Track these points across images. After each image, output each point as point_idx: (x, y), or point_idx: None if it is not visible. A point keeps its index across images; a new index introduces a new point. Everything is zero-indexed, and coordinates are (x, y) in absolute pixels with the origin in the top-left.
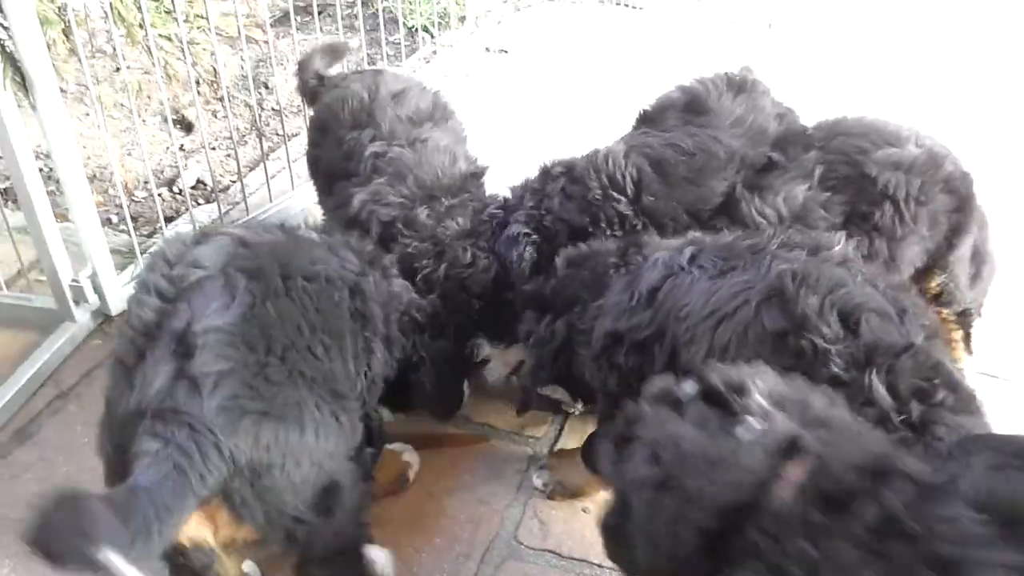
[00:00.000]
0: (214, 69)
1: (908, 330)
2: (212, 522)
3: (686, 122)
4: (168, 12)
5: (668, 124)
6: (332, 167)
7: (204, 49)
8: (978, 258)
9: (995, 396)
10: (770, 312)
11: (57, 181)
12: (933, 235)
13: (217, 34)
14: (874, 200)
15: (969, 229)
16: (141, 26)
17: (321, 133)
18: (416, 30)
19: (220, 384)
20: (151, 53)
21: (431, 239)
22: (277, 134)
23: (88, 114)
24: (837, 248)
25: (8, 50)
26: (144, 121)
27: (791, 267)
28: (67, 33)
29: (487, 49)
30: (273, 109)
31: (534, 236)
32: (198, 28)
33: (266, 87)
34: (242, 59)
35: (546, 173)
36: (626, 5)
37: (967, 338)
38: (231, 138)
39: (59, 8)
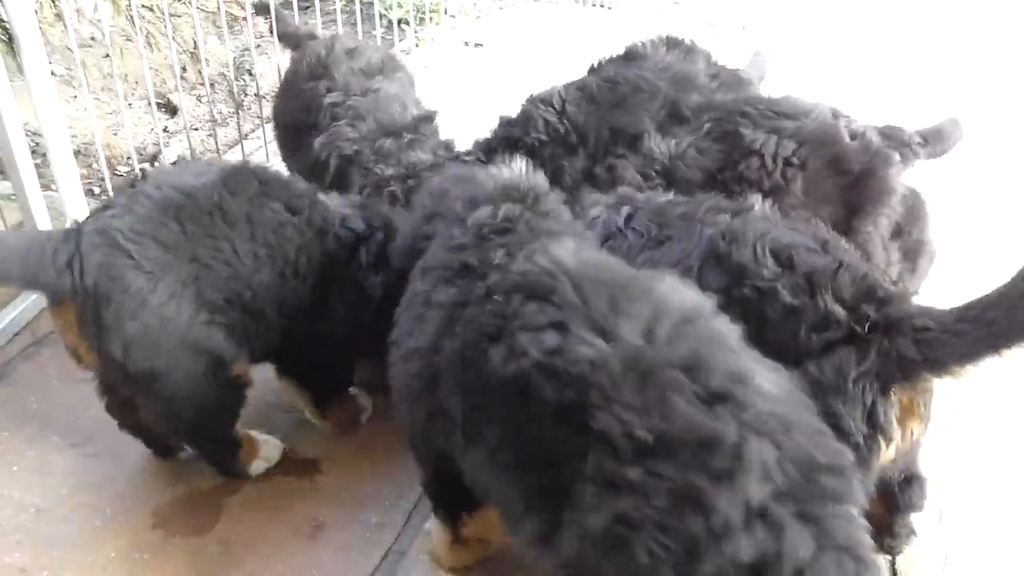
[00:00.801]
0: (192, 54)
1: (834, 255)
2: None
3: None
4: None
5: (606, 72)
6: (294, 120)
7: (186, 22)
8: (913, 250)
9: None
10: (711, 272)
11: (44, 155)
12: (821, 205)
13: (200, 9)
14: (743, 153)
15: (871, 211)
16: None
17: (284, 89)
18: (396, 23)
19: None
20: (134, 23)
21: (400, 165)
22: (257, 117)
23: (76, 96)
24: (757, 208)
25: None
26: (131, 105)
27: (719, 229)
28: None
29: (465, 43)
30: (255, 95)
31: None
32: (180, 2)
33: (249, 74)
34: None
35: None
36: (603, 6)
37: None
38: (213, 120)
39: None
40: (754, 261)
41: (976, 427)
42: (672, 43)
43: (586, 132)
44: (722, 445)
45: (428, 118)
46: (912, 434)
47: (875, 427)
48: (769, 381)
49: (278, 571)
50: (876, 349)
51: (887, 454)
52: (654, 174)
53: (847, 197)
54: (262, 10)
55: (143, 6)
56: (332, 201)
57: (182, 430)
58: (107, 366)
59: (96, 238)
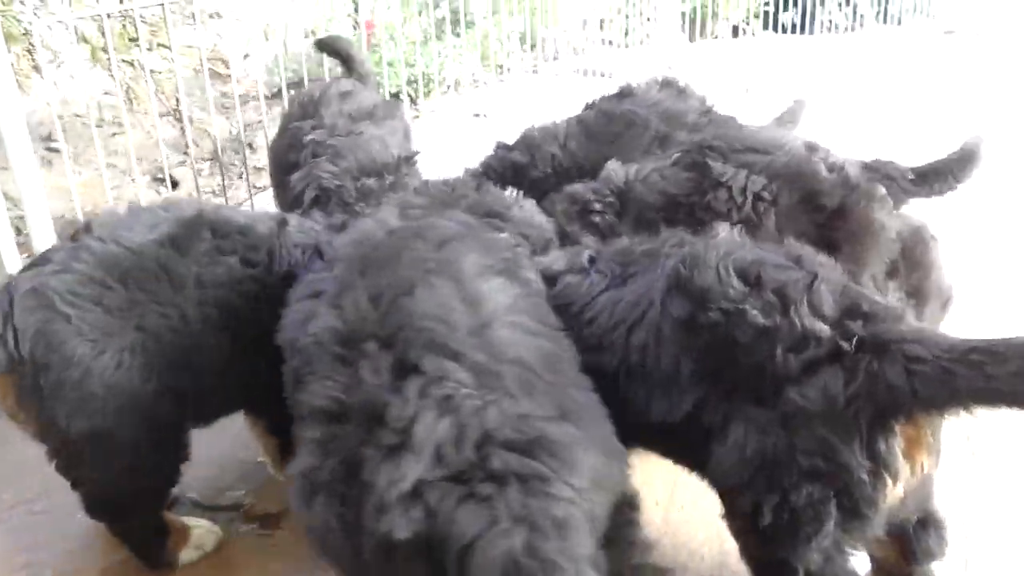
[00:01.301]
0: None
1: (809, 268)
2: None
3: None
4: (132, 40)
5: (599, 105)
6: (282, 158)
7: (168, 78)
8: (919, 293)
9: None
10: (674, 302)
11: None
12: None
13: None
14: (712, 184)
15: (853, 249)
16: (104, 50)
17: (279, 128)
18: (396, 95)
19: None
20: (114, 77)
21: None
22: (255, 186)
23: (80, 172)
24: (722, 233)
25: None
26: (133, 180)
27: (680, 256)
28: (31, 51)
29: (470, 114)
30: (255, 168)
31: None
32: (162, 57)
33: (250, 147)
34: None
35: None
36: (604, 75)
37: None
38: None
39: (25, 30)
40: (718, 282)
41: (1000, 468)
42: (665, 83)
43: (584, 166)
44: (391, 420)
45: (409, 159)
46: (922, 468)
47: (876, 460)
48: (520, 346)
49: None
50: (865, 371)
51: (895, 492)
52: (608, 192)
53: (825, 234)
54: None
55: (123, 60)
56: (307, 225)
57: (112, 506)
58: (48, 433)
59: (31, 300)
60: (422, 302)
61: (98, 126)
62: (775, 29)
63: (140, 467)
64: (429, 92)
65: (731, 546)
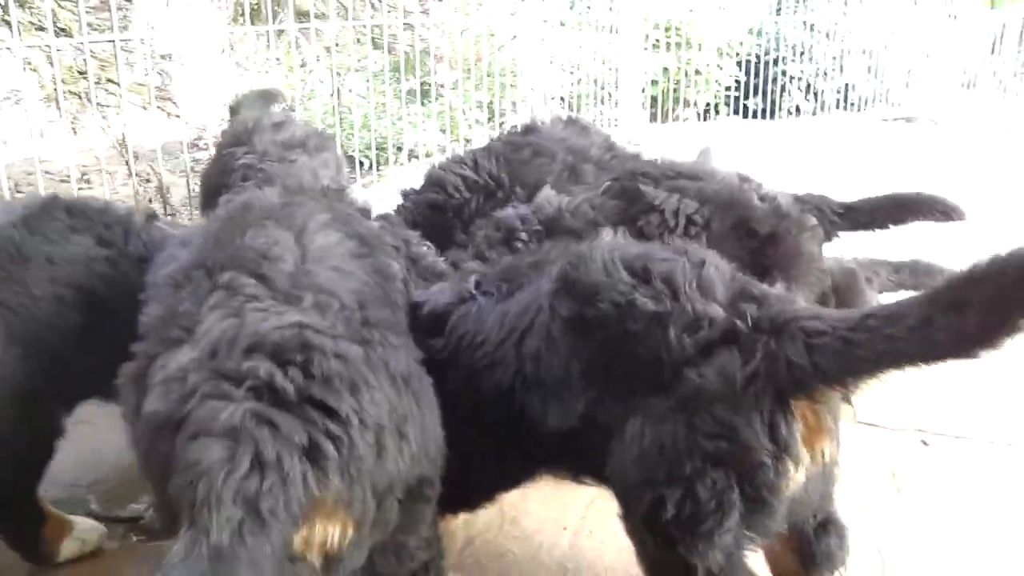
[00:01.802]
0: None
1: (696, 255)
2: None
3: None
4: (81, 72)
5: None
6: (212, 183)
7: (116, 112)
8: None
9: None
10: (562, 303)
11: None
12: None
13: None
14: (643, 209)
15: (783, 276)
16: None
17: (213, 156)
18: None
19: None
20: (59, 107)
21: None
22: None
23: None
24: (607, 237)
25: None
26: None
27: (567, 258)
28: None
29: None
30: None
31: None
32: (108, 92)
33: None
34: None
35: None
36: None
37: None
38: None
39: None
40: (606, 277)
41: (923, 505)
42: (569, 121)
43: (501, 179)
44: (183, 321)
45: (339, 190)
46: (823, 455)
47: (778, 442)
48: (337, 284)
49: None
50: (763, 350)
51: (797, 479)
52: (536, 221)
53: (757, 260)
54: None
55: (71, 92)
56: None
57: None
58: None
59: None
60: (252, 239)
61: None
62: (742, 115)
63: (1, 437)
64: (395, 159)
65: (637, 572)
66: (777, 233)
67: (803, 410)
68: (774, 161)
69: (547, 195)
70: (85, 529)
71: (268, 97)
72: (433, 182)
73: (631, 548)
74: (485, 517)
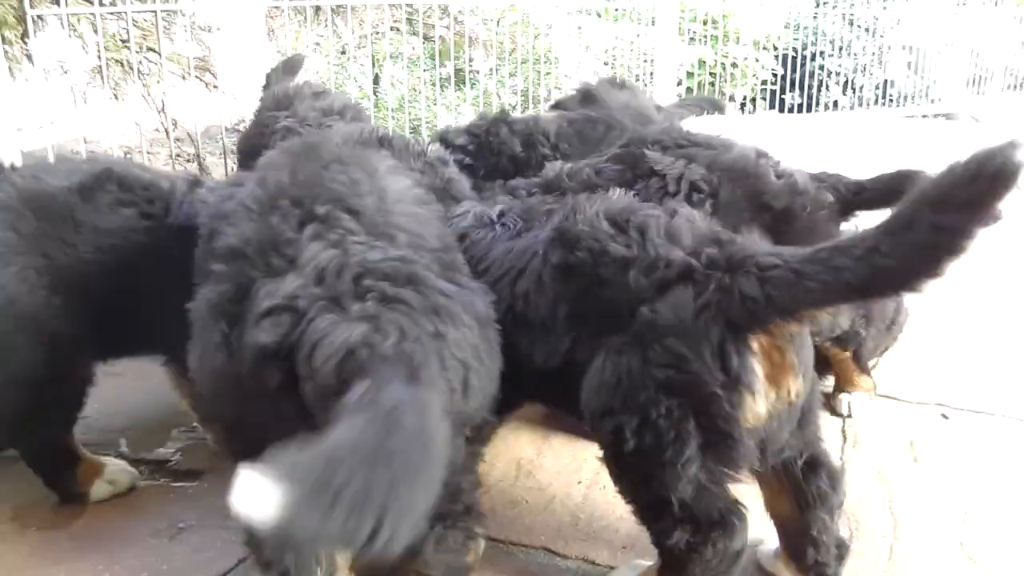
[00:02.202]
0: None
1: (671, 208)
2: None
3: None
4: (124, 41)
5: (570, 108)
6: (250, 145)
7: (156, 81)
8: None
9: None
10: (554, 250)
11: None
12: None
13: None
14: (643, 173)
15: None
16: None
17: (253, 120)
18: None
19: None
20: (103, 74)
21: None
22: None
23: None
24: (614, 195)
25: None
26: None
27: (566, 210)
28: (24, 38)
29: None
30: None
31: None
32: (150, 61)
33: None
34: None
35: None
36: None
37: (856, 360)
38: None
39: (17, 15)
40: (589, 226)
41: (939, 474)
42: (617, 83)
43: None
44: (283, 249)
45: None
46: (789, 393)
47: (730, 372)
48: (417, 225)
49: (129, 565)
50: (716, 284)
51: (756, 410)
52: (536, 188)
53: (770, 235)
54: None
55: (113, 60)
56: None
57: (18, 423)
58: None
59: None
60: (336, 174)
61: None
62: (779, 109)
63: (39, 381)
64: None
65: None
66: (792, 209)
67: (766, 347)
68: (810, 155)
69: (551, 165)
70: (116, 471)
71: (294, 65)
72: (524, 137)
73: None
74: (501, 469)
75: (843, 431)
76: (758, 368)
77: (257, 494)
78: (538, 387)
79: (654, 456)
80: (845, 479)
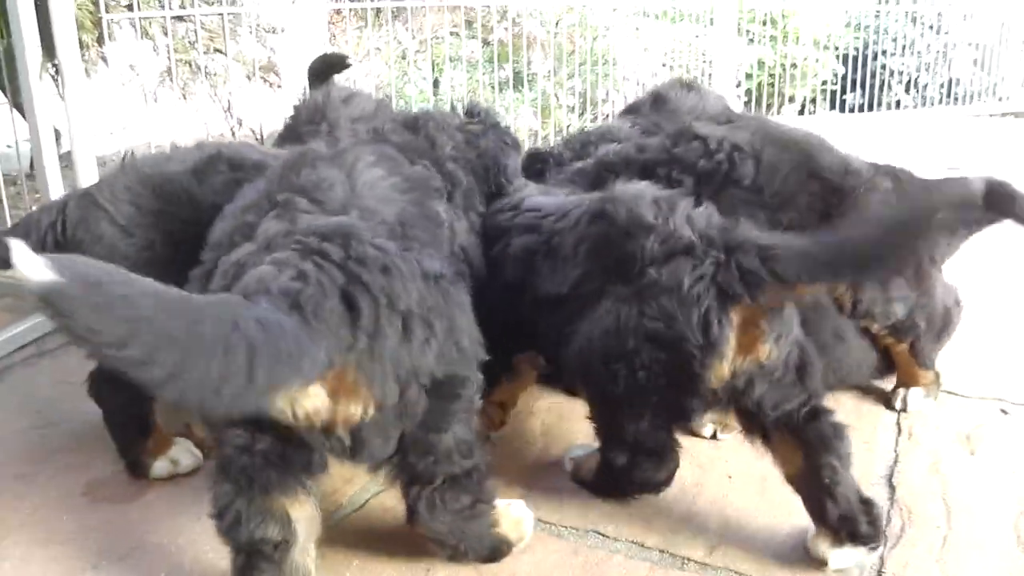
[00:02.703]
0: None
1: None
2: None
3: (655, 112)
4: (192, 43)
5: (641, 113)
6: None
7: (223, 81)
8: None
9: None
10: (596, 204)
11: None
12: (789, 209)
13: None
14: (685, 138)
15: None
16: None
17: (283, 135)
18: None
19: None
20: (172, 76)
21: None
22: None
23: None
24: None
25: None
26: None
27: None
28: (100, 42)
29: None
30: None
31: None
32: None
33: None
34: None
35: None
36: None
37: (914, 354)
38: None
39: (94, 19)
40: (633, 195)
41: (996, 467)
42: (686, 85)
43: None
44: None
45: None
46: (759, 356)
47: (709, 339)
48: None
49: None
50: (714, 260)
51: (721, 373)
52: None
53: (816, 205)
54: None
55: (182, 60)
56: None
57: (101, 384)
58: None
59: (81, 199)
60: (306, 176)
61: None
62: (840, 109)
63: None
64: None
65: None
66: (846, 185)
67: (746, 319)
68: (873, 155)
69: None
70: (180, 452)
71: (325, 68)
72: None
73: None
74: (555, 453)
75: (898, 424)
76: (732, 338)
77: (33, 265)
78: (540, 312)
79: (628, 396)
80: (848, 434)
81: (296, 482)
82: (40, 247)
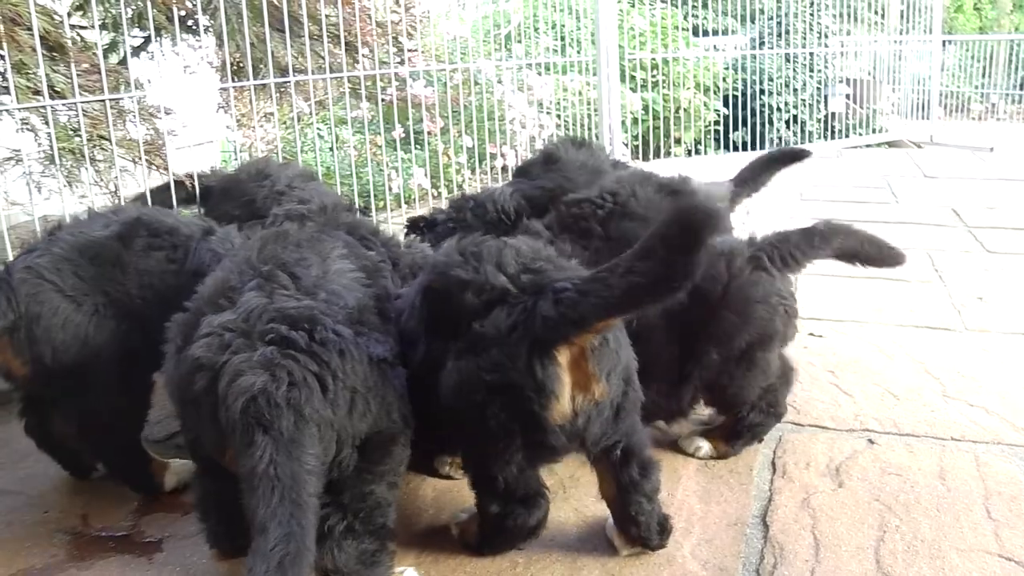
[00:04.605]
0: None
1: (503, 241)
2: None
3: (546, 170)
4: (75, 131)
5: (533, 173)
6: (237, 212)
7: (109, 165)
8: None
9: None
10: (424, 275)
11: None
12: None
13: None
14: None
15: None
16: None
17: (224, 193)
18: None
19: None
20: (56, 162)
21: None
22: None
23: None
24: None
25: None
26: None
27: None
28: None
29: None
30: None
31: None
32: (101, 148)
33: None
34: None
35: (458, 202)
36: None
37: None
38: None
39: None
40: (446, 255)
41: (806, 486)
42: (577, 143)
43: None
44: (232, 296)
45: (348, 207)
46: (594, 394)
47: (535, 379)
48: (343, 292)
49: None
50: (522, 306)
51: (563, 410)
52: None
53: None
54: None
55: (64, 149)
56: (228, 235)
57: (96, 431)
58: (37, 372)
59: (25, 274)
60: (290, 253)
61: None
62: (727, 148)
63: (112, 394)
64: (381, 204)
65: None
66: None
67: (573, 358)
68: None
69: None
70: (178, 467)
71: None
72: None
73: None
74: None
75: (773, 463)
76: (564, 376)
77: None
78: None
79: (488, 444)
80: (658, 468)
81: None
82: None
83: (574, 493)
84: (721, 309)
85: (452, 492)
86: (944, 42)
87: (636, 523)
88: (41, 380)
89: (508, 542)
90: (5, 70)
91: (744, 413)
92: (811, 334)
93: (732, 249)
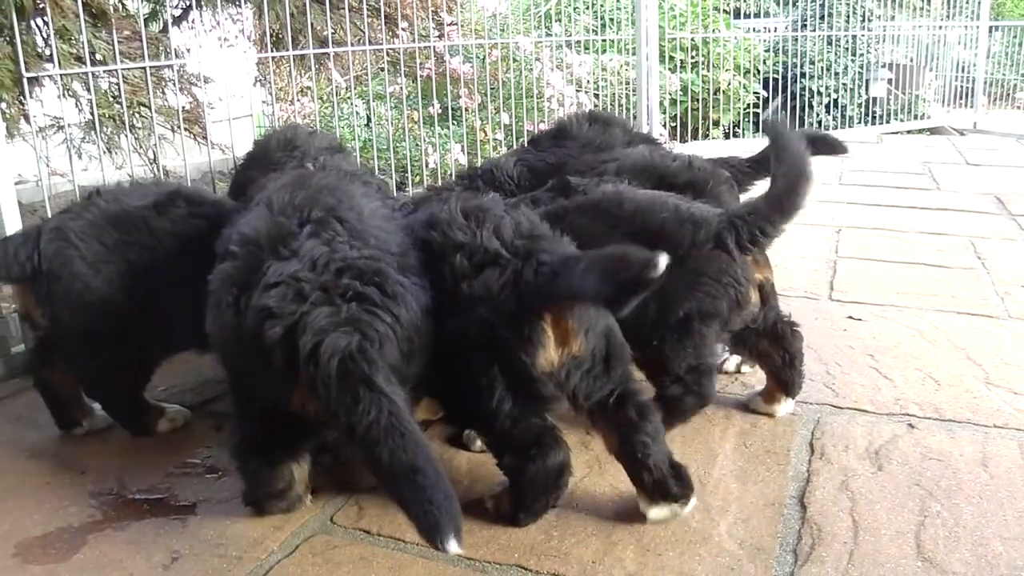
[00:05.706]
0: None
1: (511, 213)
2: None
3: (554, 144)
4: (115, 98)
5: (542, 145)
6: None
7: (148, 133)
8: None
9: None
10: (421, 228)
11: None
12: None
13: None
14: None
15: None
16: (90, 104)
17: (249, 162)
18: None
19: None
20: (96, 129)
21: None
22: None
23: None
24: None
25: None
26: None
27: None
28: (21, 102)
29: None
30: None
31: None
32: (140, 116)
33: None
34: None
35: (467, 173)
36: None
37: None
38: None
39: (14, 77)
40: (448, 214)
41: (845, 469)
42: (594, 118)
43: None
44: (289, 242)
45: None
46: (573, 349)
47: (522, 336)
48: (383, 237)
49: None
50: (512, 268)
51: (550, 358)
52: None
53: None
54: None
55: (105, 116)
56: None
57: (102, 385)
58: (55, 329)
59: (54, 234)
60: (326, 195)
61: None
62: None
63: (121, 356)
64: (417, 179)
65: None
66: (695, 182)
67: (554, 315)
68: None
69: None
70: (174, 412)
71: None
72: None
73: None
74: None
75: (811, 445)
76: (548, 330)
77: None
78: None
79: (476, 397)
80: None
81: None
82: (20, 276)
83: (609, 468)
84: (672, 273)
85: (487, 465)
86: (990, 28)
87: (647, 467)
88: (56, 332)
89: (538, 496)
90: (49, 35)
91: (667, 383)
92: (851, 317)
93: (702, 219)
